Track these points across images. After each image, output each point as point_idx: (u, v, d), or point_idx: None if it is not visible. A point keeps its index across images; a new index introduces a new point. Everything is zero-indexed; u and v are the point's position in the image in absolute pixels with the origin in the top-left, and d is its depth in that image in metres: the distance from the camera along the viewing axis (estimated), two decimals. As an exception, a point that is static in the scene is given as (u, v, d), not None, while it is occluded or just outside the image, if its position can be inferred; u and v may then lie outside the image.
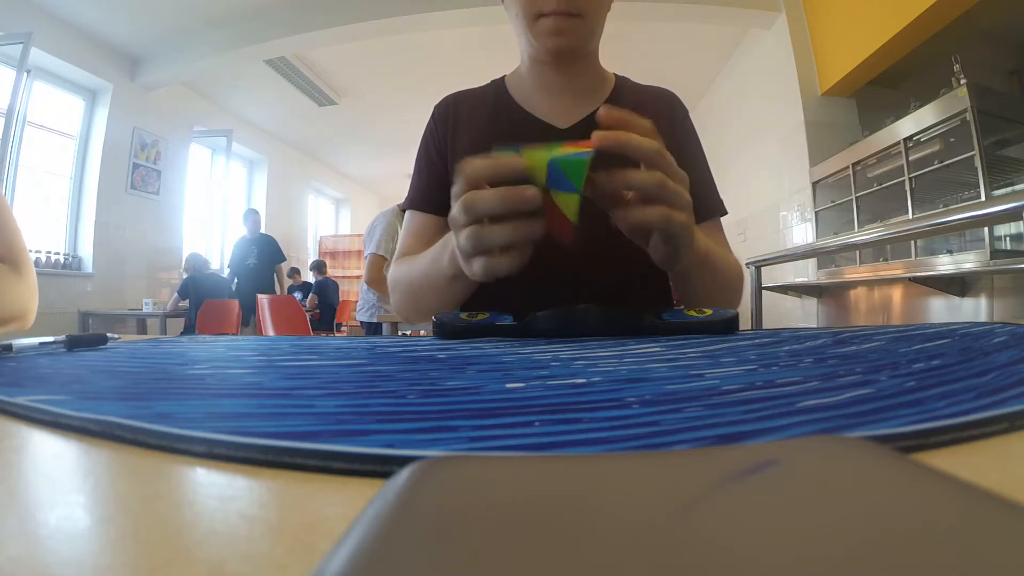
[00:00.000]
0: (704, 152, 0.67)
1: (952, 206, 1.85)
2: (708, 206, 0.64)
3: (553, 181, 0.34)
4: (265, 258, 3.86)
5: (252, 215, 3.98)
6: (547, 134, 0.61)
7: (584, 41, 0.59)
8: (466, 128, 0.64)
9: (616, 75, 0.68)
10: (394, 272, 0.61)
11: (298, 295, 4.27)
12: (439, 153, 0.64)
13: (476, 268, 0.38)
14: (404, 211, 0.68)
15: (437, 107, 0.67)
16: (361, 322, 2.52)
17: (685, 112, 0.67)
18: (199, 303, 3.29)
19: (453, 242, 0.42)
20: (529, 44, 0.60)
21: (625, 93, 0.65)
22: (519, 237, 0.36)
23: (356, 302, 2.67)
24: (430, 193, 0.64)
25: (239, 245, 3.95)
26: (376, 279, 2.33)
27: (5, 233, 0.62)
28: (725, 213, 0.66)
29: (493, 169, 0.36)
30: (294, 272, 4.96)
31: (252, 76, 3.96)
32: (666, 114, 0.65)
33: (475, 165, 0.37)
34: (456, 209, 0.37)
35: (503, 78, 0.68)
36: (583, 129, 0.61)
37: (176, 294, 3.45)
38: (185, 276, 3.53)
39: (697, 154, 0.66)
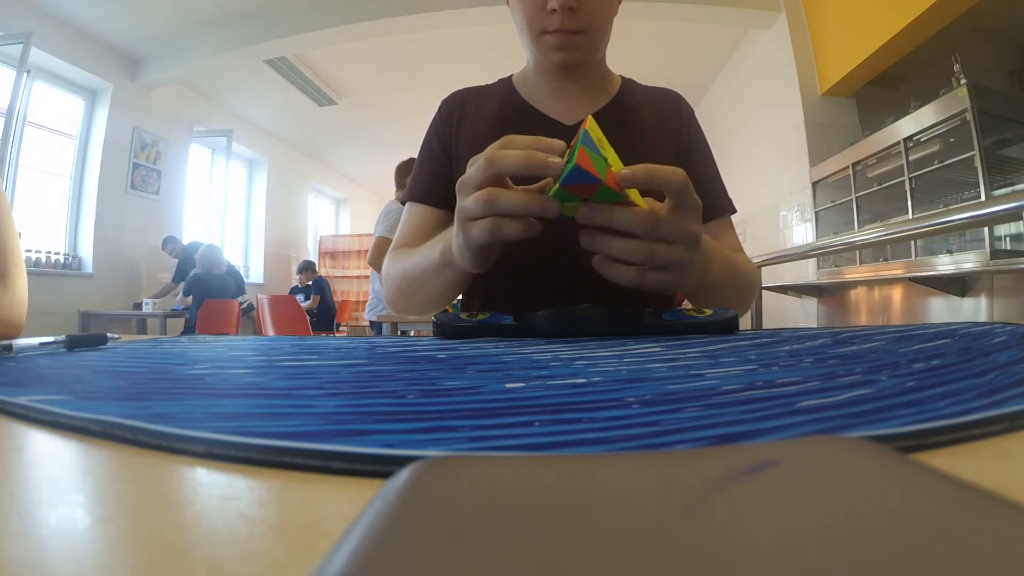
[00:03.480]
0: (711, 150, 0.67)
1: (952, 206, 1.85)
2: (717, 205, 0.64)
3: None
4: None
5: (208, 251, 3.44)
6: (554, 130, 0.62)
7: (589, 55, 0.59)
8: (473, 123, 0.64)
9: (622, 77, 0.68)
10: (388, 264, 0.61)
11: (300, 297, 4.23)
12: (443, 147, 0.65)
13: (479, 230, 0.37)
14: (403, 203, 0.67)
15: (444, 102, 0.67)
16: (371, 322, 2.48)
17: (690, 111, 0.68)
18: (201, 302, 3.26)
19: (452, 231, 0.41)
20: (534, 56, 0.60)
21: (630, 95, 0.66)
22: (534, 207, 0.35)
23: (355, 302, 2.66)
24: (431, 186, 0.64)
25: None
26: (378, 261, 2.30)
27: None
28: (734, 211, 0.66)
29: (531, 147, 0.36)
30: (305, 267, 4.74)
31: (252, 76, 3.96)
32: (672, 114, 0.66)
33: (514, 140, 0.37)
34: (476, 166, 0.37)
35: (510, 77, 0.68)
36: None
37: (181, 294, 3.39)
38: (194, 272, 3.37)
39: (705, 153, 0.66)
